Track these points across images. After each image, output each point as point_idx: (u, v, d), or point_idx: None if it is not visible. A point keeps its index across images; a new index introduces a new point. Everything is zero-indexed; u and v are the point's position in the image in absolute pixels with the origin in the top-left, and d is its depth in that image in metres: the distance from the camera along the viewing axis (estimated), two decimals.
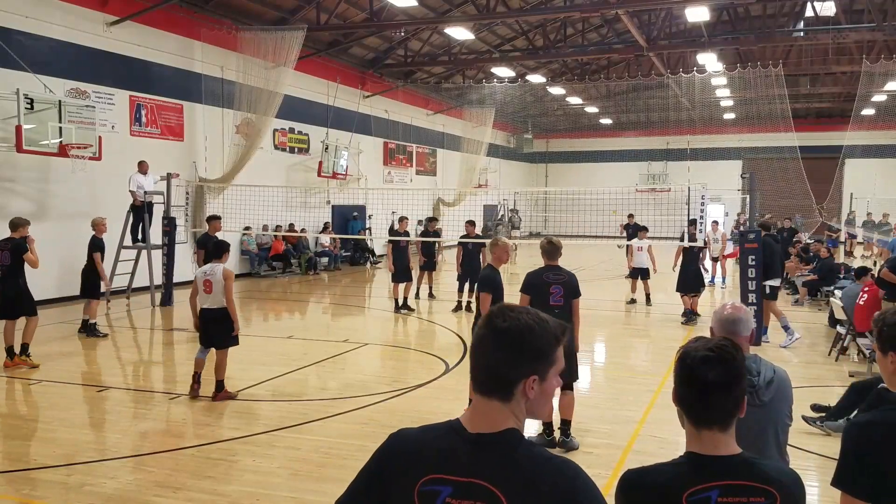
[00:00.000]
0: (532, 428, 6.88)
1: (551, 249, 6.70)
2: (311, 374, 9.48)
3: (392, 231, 15.74)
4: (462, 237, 14.71)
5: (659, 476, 1.93)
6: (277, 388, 8.51)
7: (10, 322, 9.40)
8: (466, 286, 14.04)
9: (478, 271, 13.60)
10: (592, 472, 6.14)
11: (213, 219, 12.48)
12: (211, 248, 8.31)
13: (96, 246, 11.37)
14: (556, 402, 6.68)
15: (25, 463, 5.98)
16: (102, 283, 11.44)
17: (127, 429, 7.04)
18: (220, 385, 7.98)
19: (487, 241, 14.16)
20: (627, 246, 16.01)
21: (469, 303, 13.88)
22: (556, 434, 6.56)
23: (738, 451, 1.93)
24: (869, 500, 2.14)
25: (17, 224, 9.68)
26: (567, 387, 6.51)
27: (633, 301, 15.72)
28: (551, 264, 6.70)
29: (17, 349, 9.31)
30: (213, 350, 8.03)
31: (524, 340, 1.70)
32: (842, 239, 27.29)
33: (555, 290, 6.54)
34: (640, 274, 15.58)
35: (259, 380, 8.60)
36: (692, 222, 14.95)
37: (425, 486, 1.68)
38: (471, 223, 14.88)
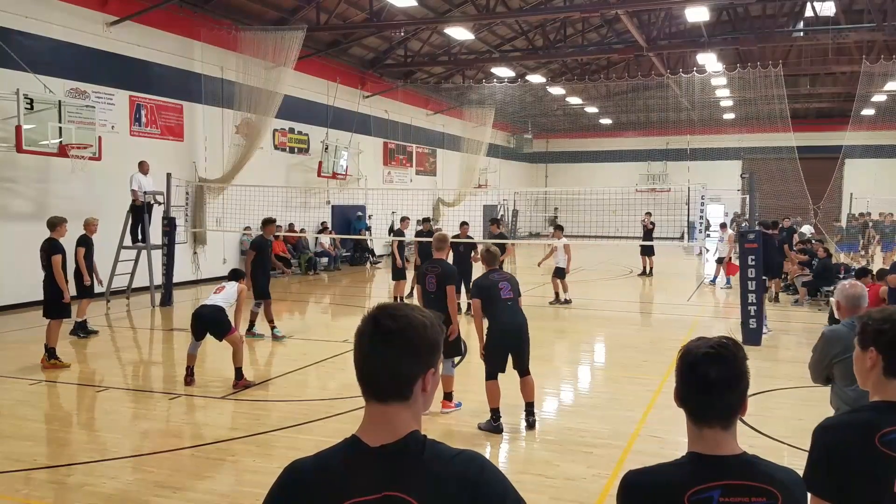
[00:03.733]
0: (512, 417, 6.90)
1: (491, 257, 7.31)
2: (311, 374, 9.49)
3: (397, 231, 15.62)
4: (453, 237, 14.54)
5: (660, 476, 1.93)
6: (277, 388, 8.52)
7: (53, 322, 9.46)
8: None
9: (470, 273, 13.62)
10: (592, 472, 6.16)
11: (269, 222, 12.03)
12: (229, 274, 9.28)
13: (79, 243, 10.97)
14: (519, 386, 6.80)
15: (25, 463, 5.98)
16: (85, 280, 11.01)
17: (127, 429, 7.04)
18: (238, 373, 8.38)
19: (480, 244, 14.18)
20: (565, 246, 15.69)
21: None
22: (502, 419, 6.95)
23: (739, 450, 1.93)
24: (838, 502, 2.14)
25: (54, 223, 9.76)
26: (527, 372, 7.05)
27: (566, 301, 15.15)
28: (493, 269, 7.34)
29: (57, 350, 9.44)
30: (224, 344, 8.48)
31: (422, 336, 1.68)
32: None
33: (503, 285, 7.05)
34: (558, 273, 15.15)
35: (259, 379, 8.60)
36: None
37: None
38: (464, 224, 14.79)
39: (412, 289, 15.16)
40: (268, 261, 11.73)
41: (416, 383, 1.69)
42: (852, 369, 3.89)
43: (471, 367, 8.83)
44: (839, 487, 2.14)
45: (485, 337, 7.05)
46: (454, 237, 14.52)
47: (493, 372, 6.93)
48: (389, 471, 1.62)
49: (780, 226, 18.47)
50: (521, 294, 7.20)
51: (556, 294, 15.28)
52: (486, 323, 7.12)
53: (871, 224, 24.72)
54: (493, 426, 6.84)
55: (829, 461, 2.17)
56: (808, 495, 2.05)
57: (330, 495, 1.62)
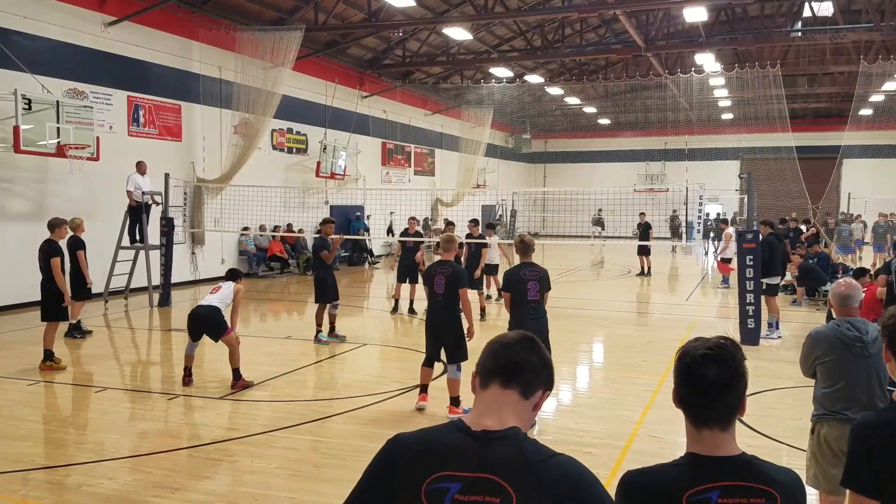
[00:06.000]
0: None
1: (525, 247, 7.21)
2: (310, 374, 9.48)
3: (403, 232, 15.32)
4: (466, 236, 14.25)
5: (659, 476, 1.93)
6: (276, 388, 8.51)
7: (48, 324, 9.41)
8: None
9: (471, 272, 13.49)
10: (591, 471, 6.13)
11: (326, 222, 11.80)
12: (226, 274, 9.15)
13: (76, 245, 10.76)
14: None
15: (24, 464, 5.97)
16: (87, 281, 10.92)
17: (125, 429, 7.03)
18: (236, 374, 8.36)
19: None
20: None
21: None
22: None
23: (738, 451, 1.93)
24: (878, 498, 2.16)
25: (54, 225, 9.74)
26: None
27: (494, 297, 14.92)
28: (526, 261, 7.19)
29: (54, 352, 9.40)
30: (221, 344, 8.46)
31: (550, 361, 1.91)
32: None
33: (531, 285, 6.99)
34: (492, 270, 14.76)
35: (257, 380, 8.59)
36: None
37: (432, 484, 1.68)
38: (474, 222, 14.66)
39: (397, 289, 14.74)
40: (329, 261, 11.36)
41: (537, 391, 1.85)
42: (831, 371, 4.17)
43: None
44: (882, 484, 2.16)
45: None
46: (466, 236, 14.42)
47: None
48: (488, 455, 1.70)
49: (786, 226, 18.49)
50: (550, 287, 7.13)
51: (499, 290, 14.76)
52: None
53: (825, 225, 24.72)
54: None
55: (871, 458, 2.20)
56: (808, 495, 2.05)
57: (426, 466, 1.71)
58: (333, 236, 11.21)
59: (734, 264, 16.33)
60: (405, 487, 1.71)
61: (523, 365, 1.82)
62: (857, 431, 2.29)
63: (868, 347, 4.12)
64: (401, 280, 14.17)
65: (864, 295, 9.14)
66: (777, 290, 12.22)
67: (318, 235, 12.13)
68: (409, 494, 1.70)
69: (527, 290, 6.92)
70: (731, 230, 18.45)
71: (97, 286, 13.22)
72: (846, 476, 2.25)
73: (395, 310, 14.08)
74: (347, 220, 24.32)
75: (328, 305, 11.15)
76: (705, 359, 1.92)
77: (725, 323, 13.17)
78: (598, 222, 32.53)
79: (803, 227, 21.15)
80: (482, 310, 13.25)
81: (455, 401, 7.31)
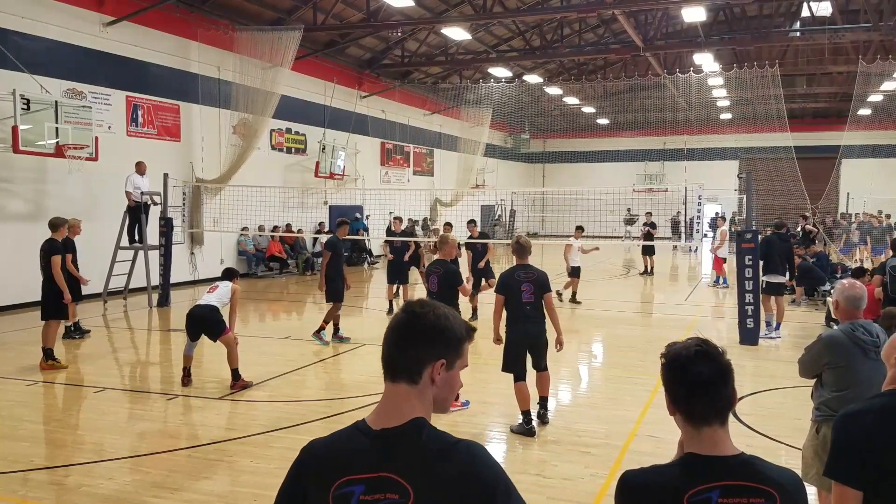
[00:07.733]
0: (510, 418, 6.89)
1: (520, 249, 7.07)
2: (309, 374, 9.48)
3: (388, 232, 15.32)
4: (469, 238, 14.18)
5: (659, 476, 1.93)
6: (275, 388, 8.50)
7: (46, 323, 9.43)
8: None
9: (480, 271, 13.44)
10: (590, 471, 6.16)
11: (342, 224, 11.68)
12: (222, 273, 9.01)
13: (66, 247, 10.50)
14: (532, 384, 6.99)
15: (23, 464, 5.96)
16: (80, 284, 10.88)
17: (124, 430, 7.02)
18: (235, 374, 8.35)
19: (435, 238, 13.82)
20: (567, 245, 15.69)
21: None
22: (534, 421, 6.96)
23: (737, 451, 1.93)
24: (861, 488, 2.16)
25: (56, 224, 9.80)
26: (543, 368, 7.06)
27: (578, 301, 15.33)
28: (522, 263, 7.08)
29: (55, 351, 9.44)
30: (220, 344, 8.44)
31: (439, 326, 1.80)
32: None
33: (525, 287, 6.86)
34: (575, 273, 15.31)
35: (256, 380, 8.59)
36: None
37: (339, 489, 1.71)
38: (472, 222, 14.65)
39: (397, 290, 14.69)
40: (342, 262, 11.32)
41: (426, 369, 1.80)
42: (844, 375, 4.09)
43: (477, 366, 8.82)
44: (866, 473, 2.17)
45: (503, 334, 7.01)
46: (469, 237, 14.36)
47: (518, 374, 6.90)
48: (387, 453, 1.72)
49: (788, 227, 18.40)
50: (550, 290, 6.94)
51: (574, 293, 15.46)
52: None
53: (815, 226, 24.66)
54: (526, 428, 6.77)
55: (856, 448, 2.21)
56: (807, 494, 2.05)
57: (332, 472, 1.74)
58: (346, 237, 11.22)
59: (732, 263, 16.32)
60: (316, 494, 1.75)
61: (395, 357, 1.83)
62: (840, 422, 2.31)
63: (879, 351, 4.13)
64: (390, 281, 14.20)
65: None
66: (781, 290, 12.10)
67: (332, 235, 12.08)
68: (319, 500, 1.73)
69: (521, 293, 6.80)
70: (725, 227, 18.52)
71: (96, 286, 13.24)
72: (829, 467, 2.26)
73: (390, 311, 14.10)
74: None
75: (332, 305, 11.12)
76: (698, 356, 1.95)
77: (723, 323, 13.19)
78: (630, 222, 32.80)
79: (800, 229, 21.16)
80: (474, 309, 13.28)
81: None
